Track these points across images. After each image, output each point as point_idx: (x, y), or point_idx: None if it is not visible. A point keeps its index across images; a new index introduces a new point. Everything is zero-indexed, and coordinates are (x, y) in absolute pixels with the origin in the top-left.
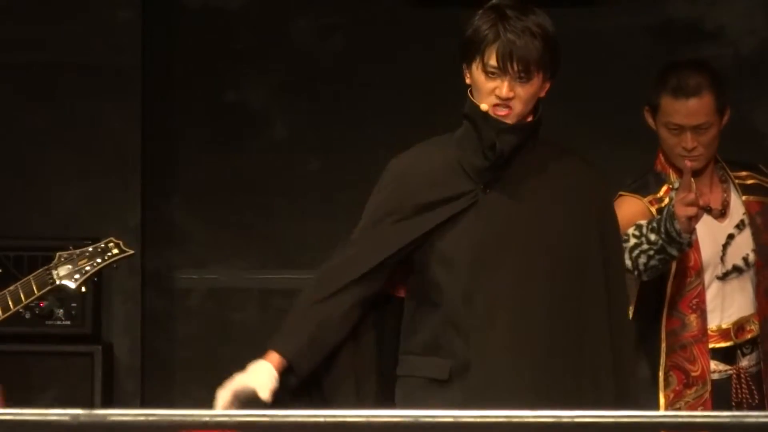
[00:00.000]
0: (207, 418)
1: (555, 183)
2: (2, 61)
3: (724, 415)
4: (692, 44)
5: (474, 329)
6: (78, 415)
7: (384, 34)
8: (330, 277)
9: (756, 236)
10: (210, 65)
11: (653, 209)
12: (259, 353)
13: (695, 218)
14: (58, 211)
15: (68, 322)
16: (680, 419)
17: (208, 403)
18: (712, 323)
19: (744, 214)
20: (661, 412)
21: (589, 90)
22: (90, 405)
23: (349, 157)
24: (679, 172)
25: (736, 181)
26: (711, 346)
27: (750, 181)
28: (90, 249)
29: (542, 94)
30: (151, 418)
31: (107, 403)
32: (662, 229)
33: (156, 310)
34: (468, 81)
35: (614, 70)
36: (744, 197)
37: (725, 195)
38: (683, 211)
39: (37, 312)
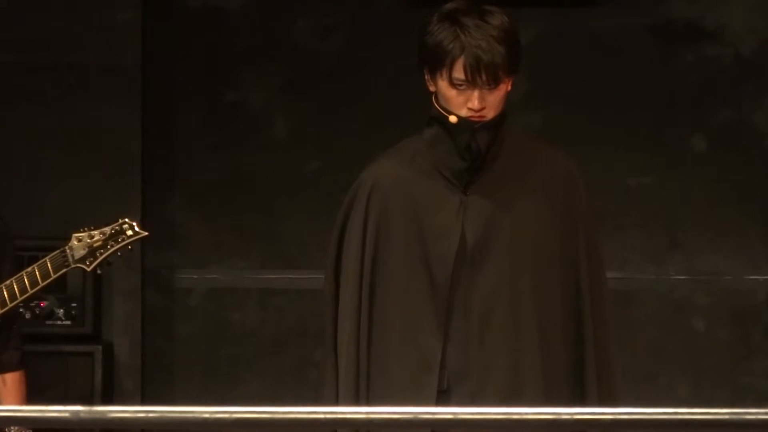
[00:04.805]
0: (207, 416)
1: (528, 176)
2: (2, 61)
3: (723, 412)
4: (692, 44)
5: (469, 336)
6: (78, 411)
7: (384, 34)
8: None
9: None
10: (210, 65)
11: None
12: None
13: None
14: (58, 211)
15: (68, 322)
16: (679, 416)
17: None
18: None
19: None
20: (660, 409)
21: (589, 90)
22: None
23: (349, 157)
24: None
25: None
26: None
27: None
28: (105, 230)
29: (509, 89)
30: (151, 415)
31: (107, 403)
32: None
33: (156, 309)
34: (431, 88)
35: (614, 70)
36: None
37: None
38: None
39: (37, 312)
